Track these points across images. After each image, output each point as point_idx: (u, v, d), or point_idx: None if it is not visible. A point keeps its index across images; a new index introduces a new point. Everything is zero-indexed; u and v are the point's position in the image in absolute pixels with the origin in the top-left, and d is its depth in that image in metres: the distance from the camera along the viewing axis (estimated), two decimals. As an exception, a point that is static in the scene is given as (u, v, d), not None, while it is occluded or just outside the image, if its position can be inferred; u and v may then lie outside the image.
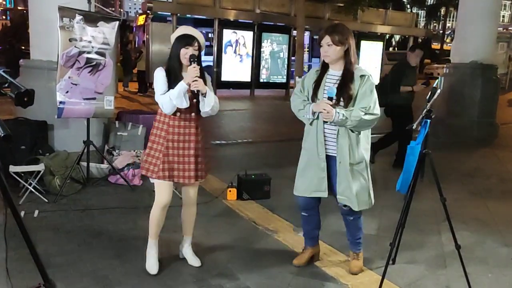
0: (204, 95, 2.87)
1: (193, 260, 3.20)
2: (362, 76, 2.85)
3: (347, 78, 2.85)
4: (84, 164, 4.90)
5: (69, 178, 4.56)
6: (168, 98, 2.84)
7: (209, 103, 2.91)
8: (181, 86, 2.83)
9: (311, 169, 3.02)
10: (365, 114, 2.79)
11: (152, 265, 3.07)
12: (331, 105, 2.77)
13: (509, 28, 40.72)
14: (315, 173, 3.00)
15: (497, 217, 4.44)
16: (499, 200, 4.99)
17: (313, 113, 2.90)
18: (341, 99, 2.83)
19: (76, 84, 4.63)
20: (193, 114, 2.98)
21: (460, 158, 6.99)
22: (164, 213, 3.13)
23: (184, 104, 2.86)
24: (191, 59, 2.85)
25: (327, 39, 2.85)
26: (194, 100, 2.93)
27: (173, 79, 2.89)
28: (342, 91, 2.83)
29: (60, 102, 4.57)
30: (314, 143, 2.97)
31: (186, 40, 2.91)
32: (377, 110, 2.84)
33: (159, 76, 2.92)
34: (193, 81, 2.79)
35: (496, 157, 7.21)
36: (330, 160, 2.97)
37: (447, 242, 3.69)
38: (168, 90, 2.87)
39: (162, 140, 2.99)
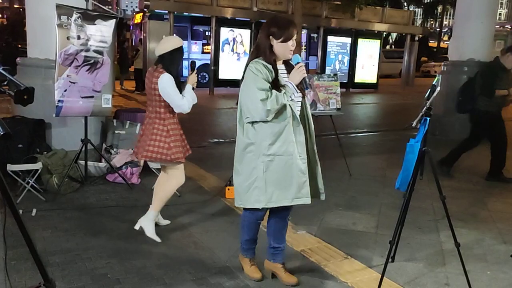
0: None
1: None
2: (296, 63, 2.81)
3: (291, 67, 2.81)
4: (82, 162, 4.88)
5: (67, 176, 4.54)
6: (190, 100, 3.44)
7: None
8: (190, 88, 3.51)
9: (290, 174, 2.72)
10: None
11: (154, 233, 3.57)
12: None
13: (506, 26, 40.80)
14: (296, 177, 2.73)
15: (495, 214, 4.45)
16: (497, 198, 5.00)
17: (301, 83, 2.73)
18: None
19: (74, 83, 4.61)
20: None
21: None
22: None
23: (195, 101, 3.53)
24: (192, 66, 3.76)
25: (295, 33, 2.77)
26: None
27: (177, 84, 3.39)
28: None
29: (58, 101, 4.55)
30: (290, 145, 2.71)
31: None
32: None
33: (172, 83, 3.35)
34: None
35: (493, 154, 7.21)
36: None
37: (446, 239, 3.70)
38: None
39: (177, 131, 3.54)
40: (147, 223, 3.60)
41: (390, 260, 3.04)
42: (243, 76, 2.80)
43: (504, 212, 4.54)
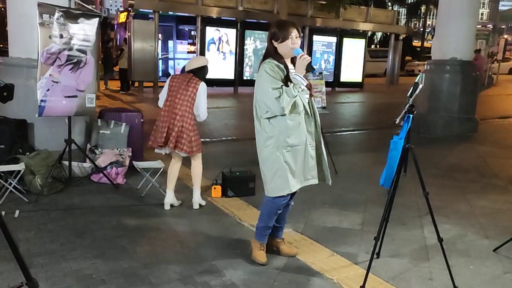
0: None
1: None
2: None
3: None
4: (66, 163, 4.82)
5: (50, 177, 4.49)
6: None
7: None
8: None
9: (304, 161, 3.03)
10: None
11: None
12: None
13: (488, 26, 41.45)
14: (307, 163, 3.04)
15: (477, 210, 4.53)
16: (479, 194, 5.08)
17: (308, 71, 2.97)
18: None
19: (57, 82, 4.56)
20: None
21: (441, 153, 7.10)
22: None
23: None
24: None
25: (295, 31, 2.98)
26: None
27: None
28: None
29: (41, 100, 4.49)
30: (304, 136, 3.00)
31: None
32: None
33: (206, 92, 4.10)
34: None
35: (475, 151, 7.34)
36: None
37: (430, 235, 3.75)
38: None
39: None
40: (198, 198, 4.30)
41: (375, 256, 3.06)
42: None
43: (485, 207, 4.62)
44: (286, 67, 3.00)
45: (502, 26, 47.69)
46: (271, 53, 3.04)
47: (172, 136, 4.03)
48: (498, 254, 3.50)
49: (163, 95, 4.16)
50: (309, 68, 2.96)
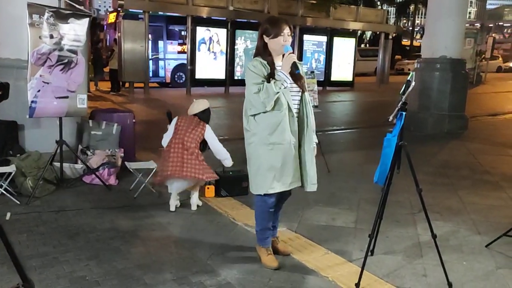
0: None
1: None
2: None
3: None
4: (58, 164, 4.78)
5: (41, 179, 4.45)
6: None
7: None
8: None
9: (288, 161, 2.99)
10: None
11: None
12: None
13: (476, 24, 41.87)
14: (292, 163, 3.00)
15: (469, 206, 4.57)
16: (470, 190, 5.13)
17: (294, 70, 2.93)
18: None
19: (47, 83, 4.51)
20: None
21: (432, 150, 7.16)
22: None
23: None
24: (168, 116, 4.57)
25: (287, 29, 2.98)
26: None
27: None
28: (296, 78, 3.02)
29: (32, 101, 4.45)
30: (287, 134, 2.96)
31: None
32: None
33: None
34: None
35: (466, 148, 7.41)
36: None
37: (423, 232, 3.78)
38: None
39: None
40: (196, 199, 4.34)
41: (369, 253, 3.08)
42: None
43: (477, 204, 4.66)
44: (272, 64, 2.99)
45: (490, 25, 48.25)
46: (260, 49, 3.04)
47: (180, 166, 4.08)
48: (490, 249, 3.53)
49: (168, 135, 4.25)
50: (294, 67, 2.94)
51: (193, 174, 4.08)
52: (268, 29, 2.99)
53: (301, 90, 3.05)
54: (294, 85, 3.01)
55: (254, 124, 3.00)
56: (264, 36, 3.01)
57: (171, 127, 4.30)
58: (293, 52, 2.98)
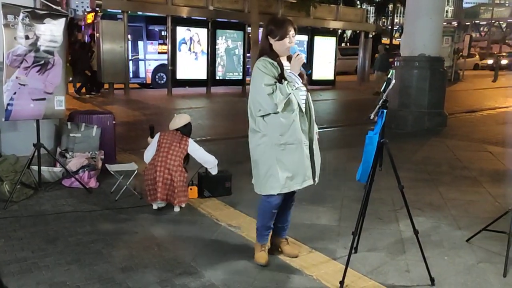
0: None
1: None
2: None
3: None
4: (35, 168, 4.68)
5: (19, 183, 4.34)
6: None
7: None
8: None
9: (300, 160, 3.01)
10: None
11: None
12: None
13: (453, 23, 42.61)
14: (303, 162, 3.02)
15: (449, 202, 4.64)
16: (450, 186, 5.21)
17: (304, 67, 2.93)
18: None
19: (24, 85, 4.40)
20: None
21: (413, 148, 7.24)
22: None
23: None
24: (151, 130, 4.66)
25: (292, 31, 2.96)
26: None
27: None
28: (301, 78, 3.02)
29: (8, 104, 4.34)
30: (299, 134, 2.97)
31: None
32: None
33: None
34: None
35: (445, 145, 7.53)
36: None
37: (405, 228, 3.82)
38: None
39: None
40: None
41: (353, 251, 3.10)
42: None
43: (457, 199, 4.74)
44: (281, 64, 2.97)
45: (467, 23, 49.16)
46: (266, 50, 3.00)
47: (166, 189, 4.12)
48: (471, 244, 3.59)
49: (151, 151, 4.26)
50: (305, 67, 2.95)
51: (183, 199, 4.18)
52: (274, 30, 2.96)
53: (306, 90, 3.08)
54: (302, 85, 3.02)
55: (263, 125, 2.96)
56: (270, 38, 2.98)
57: (153, 143, 4.28)
58: (300, 53, 2.95)
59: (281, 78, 2.91)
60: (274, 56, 2.98)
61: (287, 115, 2.93)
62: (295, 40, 3.01)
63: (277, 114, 2.91)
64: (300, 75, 2.99)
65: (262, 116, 2.95)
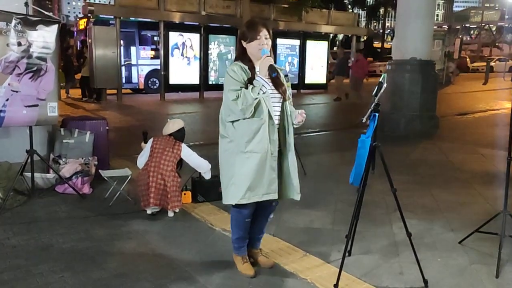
0: None
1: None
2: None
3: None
4: (28, 174, 4.66)
5: (12, 190, 4.32)
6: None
7: None
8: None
9: (262, 171, 2.85)
10: None
11: None
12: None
13: (443, 26, 42.99)
14: (267, 174, 2.87)
15: (442, 204, 4.67)
16: (443, 188, 5.25)
17: (270, 73, 2.82)
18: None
19: (16, 91, 4.39)
20: None
21: (405, 150, 7.29)
22: None
23: None
24: (144, 136, 4.63)
25: (265, 32, 2.88)
26: None
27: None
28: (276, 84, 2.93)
29: (0, 111, 4.32)
30: (266, 143, 2.84)
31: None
32: None
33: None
34: None
35: (437, 148, 7.59)
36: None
37: (398, 231, 3.84)
38: None
39: None
40: None
41: (347, 254, 3.11)
42: None
43: (449, 201, 4.78)
44: (253, 69, 2.87)
45: (457, 27, 49.61)
46: (239, 54, 2.96)
47: (159, 194, 4.12)
48: (463, 246, 3.62)
49: (144, 156, 4.27)
50: (271, 70, 2.82)
51: (177, 204, 4.18)
52: (245, 33, 2.91)
53: (282, 98, 2.93)
54: (276, 92, 2.90)
55: (232, 130, 2.88)
56: (242, 41, 2.93)
57: (146, 149, 4.28)
58: (270, 56, 2.84)
59: (249, 82, 2.82)
60: (247, 60, 2.90)
61: (255, 121, 2.82)
62: (269, 42, 2.87)
63: (245, 120, 2.81)
64: (276, 82, 2.88)
65: (232, 122, 2.87)
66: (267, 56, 2.84)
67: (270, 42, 2.90)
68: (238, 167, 2.87)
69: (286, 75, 3.00)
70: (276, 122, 2.91)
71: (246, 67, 2.88)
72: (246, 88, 2.80)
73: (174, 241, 3.69)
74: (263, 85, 2.82)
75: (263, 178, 2.87)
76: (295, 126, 3.00)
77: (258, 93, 2.79)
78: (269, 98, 2.87)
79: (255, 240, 3.25)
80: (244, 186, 2.85)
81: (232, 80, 2.83)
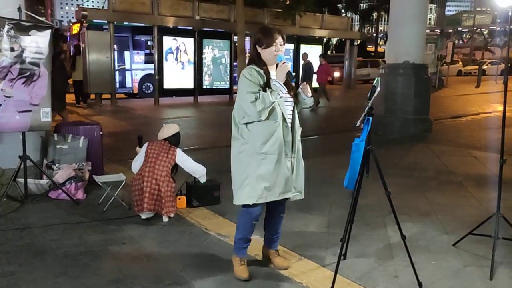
0: None
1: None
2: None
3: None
4: (21, 180, 4.63)
5: (5, 196, 4.30)
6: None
7: None
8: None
9: (278, 171, 2.95)
10: None
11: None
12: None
13: (436, 30, 43.32)
14: (283, 174, 2.97)
15: (436, 207, 4.70)
16: (436, 191, 5.28)
17: (289, 76, 2.94)
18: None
19: (9, 97, 4.38)
20: None
21: (399, 153, 7.33)
22: None
23: None
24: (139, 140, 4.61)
25: (280, 39, 2.98)
26: None
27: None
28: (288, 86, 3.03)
29: (-8, 116, 4.30)
30: (280, 144, 2.94)
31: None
32: None
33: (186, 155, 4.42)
34: None
35: (431, 151, 7.63)
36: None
37: (393, 234, 3.85)
38: None
39: None
40: None
41: (342, 257, 3.11)
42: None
43: (443, 204, 4.80)
44: (268, 73, 2.98)
45: (450, 30, 50.00)
46: (254, 59, 3.02)
47: (153, 199, 4.11)
48: (457, 248, 3.64)
49: (139, 161, 4.26)
50: (289, 76, 2.96)
51: (171, 209, 4.15)
52: (261, 39, 2.98)
53: (293, 101, 3.06)
54: (288, 95, 3.00)
55: (246, 132, 2.95)
56: (257, 46, 3.00)
57: (141, 153, 4.28)
58: (285, 61, 2.96)
59: (266, 86, 2.92)
60: (261, 64, 2.99)
61: (270, 124, 2.91)
62: (283, 49, 2.98)
63: (260, 123, 2.90)
64: (288, 86, 2.99)
65: (246, 124, 2.94)
66: (284, 62, 2.95)
67: (284, 48, 3.01)
68: (254, 168, 2.94)
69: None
70: (289, 123, 3.01)
71: (261, 71, 2.97)
72: (264, 91, 2.88)
73: (169, 246, 3.68)
74: (280, 90, 2.92)
75: (279, 178, 2.96)
76: (309, 103, 3.14)
77: (276, 97, 2.89)
78: (283, 102, 2.99)
79: (271, 241, 3.30)
80: (261, 186, 2.93)
81: (249, 83, 2.90)
